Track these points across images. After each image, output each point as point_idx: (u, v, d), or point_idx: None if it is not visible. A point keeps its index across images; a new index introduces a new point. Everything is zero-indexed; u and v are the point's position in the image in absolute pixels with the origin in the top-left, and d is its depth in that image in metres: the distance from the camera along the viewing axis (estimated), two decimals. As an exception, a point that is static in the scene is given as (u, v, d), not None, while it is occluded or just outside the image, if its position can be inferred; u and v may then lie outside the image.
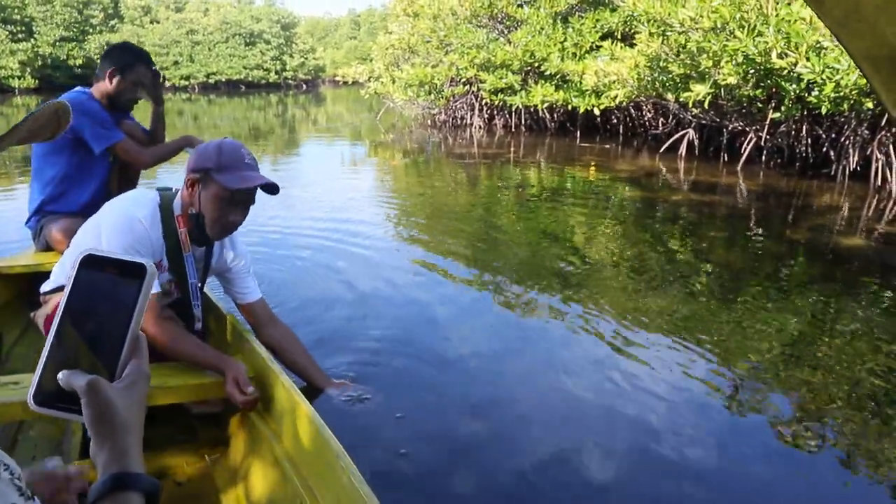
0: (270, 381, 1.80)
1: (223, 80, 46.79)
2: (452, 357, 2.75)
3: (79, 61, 41.68)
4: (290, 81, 50.79)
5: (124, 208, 1.86)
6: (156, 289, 1.85)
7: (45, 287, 2.04)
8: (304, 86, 51.11)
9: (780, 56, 5.86)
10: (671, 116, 10.03)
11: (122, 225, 1.82)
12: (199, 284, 2.04)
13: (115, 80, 2.69)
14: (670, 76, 7.53)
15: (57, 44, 41.25)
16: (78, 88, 2.75)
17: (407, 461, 1.98)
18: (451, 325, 3.13)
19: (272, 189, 1.88)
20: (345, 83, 17.96)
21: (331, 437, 1.46)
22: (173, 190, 1.96)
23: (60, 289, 1.95)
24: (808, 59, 5.62)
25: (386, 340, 2.87)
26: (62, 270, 2.03)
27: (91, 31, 43.19)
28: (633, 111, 11.54)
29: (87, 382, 0.60)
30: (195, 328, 2.00)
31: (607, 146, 10.79)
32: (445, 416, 2.27)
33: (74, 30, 42.19)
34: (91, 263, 0.63)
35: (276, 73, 49.15)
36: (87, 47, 42.05)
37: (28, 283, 2.60)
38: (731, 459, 2.06)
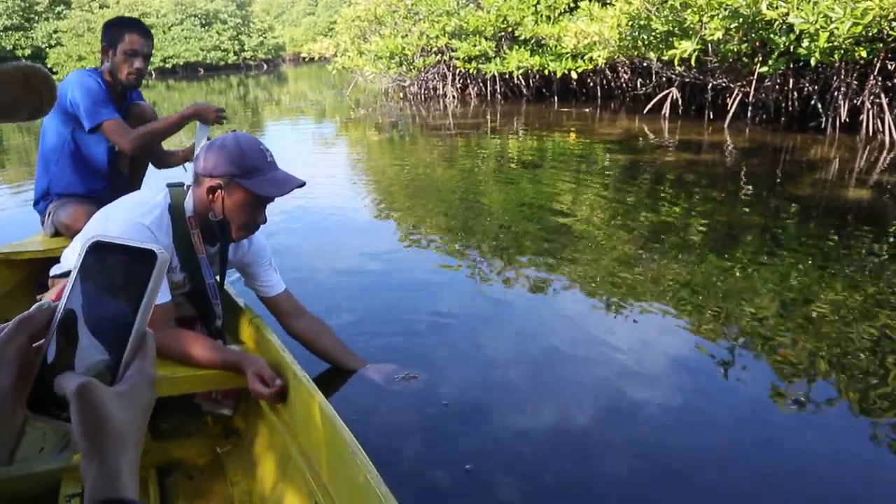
0: (284, 372, 1.71)
1: (181, 63, 45.24)
2: (466, 335, 2.65)
3: (27, 51, 39.75)
4: (249, 62, 49.43)
5: (131, 216, 1.74)
6: (165, 298, 1.74)
7: (55, 271, 2.00)
8: (265, 66, 49.76)
9: (769, 7, 5.66)
10: (652, 76, 9.82)
11: (127, 233, 1.70)
12: (218, 282, 1.93)
13: (109, 55, 2.58)
14: (653, 34, 7.30)
15: (0, 34, 39.35)
16: (87, 68, 2.68)
17: (443, 449, 1.88)
18: (456, 302, 2.96)
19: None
20: (310, 60, 17.35)
21: (346, 431, 1.38)
22: (185, 187, 1.83)
23: (68, 273, 1.82)
24: (799, 9, 5.42)
25: (394, 322, 2.76)
26: (72, 255, 1.95)
27: (37, 18, 41.19)
28: (609, 73, 11.32)
29: (79, 385, 0.50)
30: (216, 325, 1.94)
31: (586, 110, 10.59)
32: (480, 398, 2.16)
33: (18, 18, 40.21)
34: (98, 250, 0.56)
35: (235, 53, 47.71)
36: (33, 36, 40.12)
37: (36, 269, 2.57)
38: (734, 418, 2.04)
